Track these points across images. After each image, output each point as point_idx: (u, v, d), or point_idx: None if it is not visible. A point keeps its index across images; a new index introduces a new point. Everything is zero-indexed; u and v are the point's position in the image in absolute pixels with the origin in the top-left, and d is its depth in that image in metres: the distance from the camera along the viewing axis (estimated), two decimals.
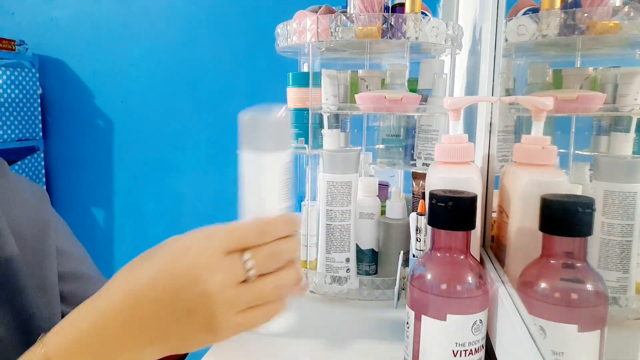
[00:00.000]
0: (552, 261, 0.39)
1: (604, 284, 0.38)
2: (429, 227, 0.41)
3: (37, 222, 0.52)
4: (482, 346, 0.41)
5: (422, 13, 0.74)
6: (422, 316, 0.40)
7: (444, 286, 0.39)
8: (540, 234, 0.41)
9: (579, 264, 0.38)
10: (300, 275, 0.42)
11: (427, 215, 0.41)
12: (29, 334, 0.45)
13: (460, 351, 0.39)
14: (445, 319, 0.39)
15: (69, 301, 0.56)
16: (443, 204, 0.39)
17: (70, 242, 0.59)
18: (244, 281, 0.38)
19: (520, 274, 0.43)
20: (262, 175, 0.41)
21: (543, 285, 0.39)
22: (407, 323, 0.42)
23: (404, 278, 0.78)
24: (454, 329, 0.39)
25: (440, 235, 0.40)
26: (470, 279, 0.40)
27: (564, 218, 0.37)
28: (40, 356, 0.35)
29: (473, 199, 0.39)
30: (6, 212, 0.47)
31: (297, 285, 0.42)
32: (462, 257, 0.40)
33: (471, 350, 0.39)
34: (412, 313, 0.41)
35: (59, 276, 0.54)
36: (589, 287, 0.38)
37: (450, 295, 0.39)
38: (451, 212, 0.39)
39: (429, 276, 0.40)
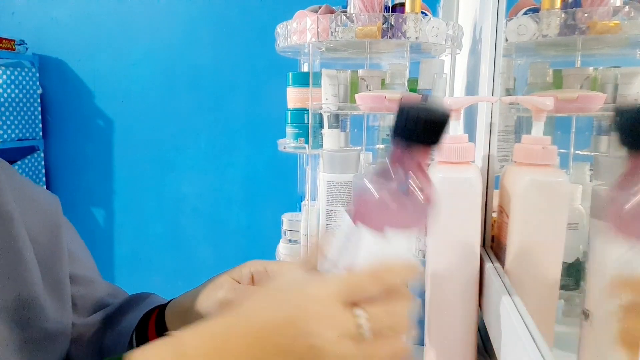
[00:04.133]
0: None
1: None
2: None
3: (50, 226, 0.51)
4: None
5: (422, 13, 0.74)
6: (363, 226, 0.37)
7: (389, 196, 0.36)
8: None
9: None
10: (409, 349, 0.39)
11: (393, 126, 0.36)
12: (38, 334, 0.45)
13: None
14: (383, 232, 0.37)
15: (78, 305, 0.56)
16: (416, 116, 0.34)
17: (79, 246, 0.60)
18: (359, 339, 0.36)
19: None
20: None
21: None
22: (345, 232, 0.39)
23: None
24: (397, 246, 0.37)
25: (404, 147, 0.36)
26: (416, 194, 0.37)
27: None
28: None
29: (448, 115, 0.35)
30: (21, 215, 0.47)
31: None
32: (423, 173, 0.37)
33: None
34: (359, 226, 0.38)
35: (70, 279, 0.54)
36: None
37: (392, 207, 0.36)
38: (427, 126, 0.35)
39: (379, 187, 0.37)
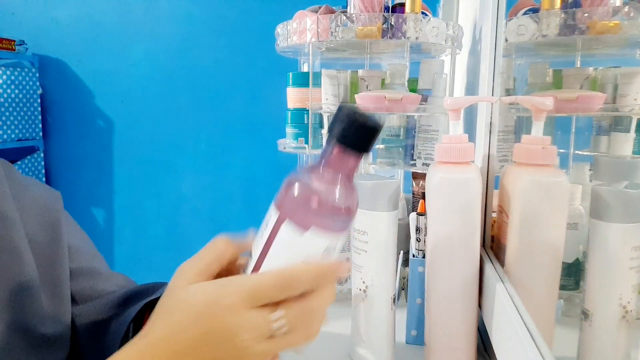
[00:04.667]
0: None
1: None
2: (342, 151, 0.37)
3: (50, 225, 0.51)
4: None
5: (422, 13, 0.74)
6: (286, 220, 0.37)
7: (319, 199, 0.37)
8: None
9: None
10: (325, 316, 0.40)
11: (338, 131, 0.36)
12: (36, 337, 0.45)
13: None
14: (306, 230, 0.37)
15: (78, 299, 0.55)
16: (366, 124, 0.36)
17: (80, 237, 0.59)
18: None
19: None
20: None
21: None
22: (267, 222, 0.39)
23: (403, 278, 0.78)
24: (309, 244, 0.37)
25: (343, 153, 0.37)
26: (345, 199, 0.37)
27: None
28: None
29: (381, 127, 0.37)
30: (20, 216, 0.47)
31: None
32: (348, 180, 0.38)
33: None
34: (276, 214, 0.38)
35: (71, 274, 0.53)
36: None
37: (319, 208, 0.37)
38: (370, 135, 0.36)
39: (313, 184, 0.38)
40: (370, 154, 0.86)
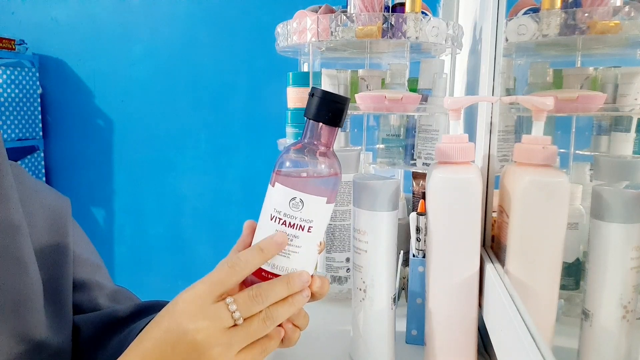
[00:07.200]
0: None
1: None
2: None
3: (57, 232, 0.51)
4: (302, 227, 0.43)
5: (423, 13, 0.74)
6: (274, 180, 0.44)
7: (287, 162, 0.44)
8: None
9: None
10: (295, 307, 0.43)
11: (321, 113, 0.44)
12: (39, 347, 0.45)
13: (276, 217, 0.43)
14: (274, 185, 0.44)
15: (78, 312, 0.54)
16: (339, 103, 0.43)
17: (85, 247, 0.58)
18: (235, 325, 0.40)
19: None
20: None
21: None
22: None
23: (404, 278, 0.78)
24: (275, 194, 0.44)
25: (324, 128, 0.44)
26: (312, 163, 0.44)
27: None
28: None
29: (347, 100, 0.45)
30: (28, 222, 0.46)
31: (300, 317, 0.45)
32: (325, 149, 0.45)
33: (285, 221, 0.43)
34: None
35: (74, 286, 0.53)
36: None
37: (281, 168, 0.44)
38: (339, 111, 0.44)
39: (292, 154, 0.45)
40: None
